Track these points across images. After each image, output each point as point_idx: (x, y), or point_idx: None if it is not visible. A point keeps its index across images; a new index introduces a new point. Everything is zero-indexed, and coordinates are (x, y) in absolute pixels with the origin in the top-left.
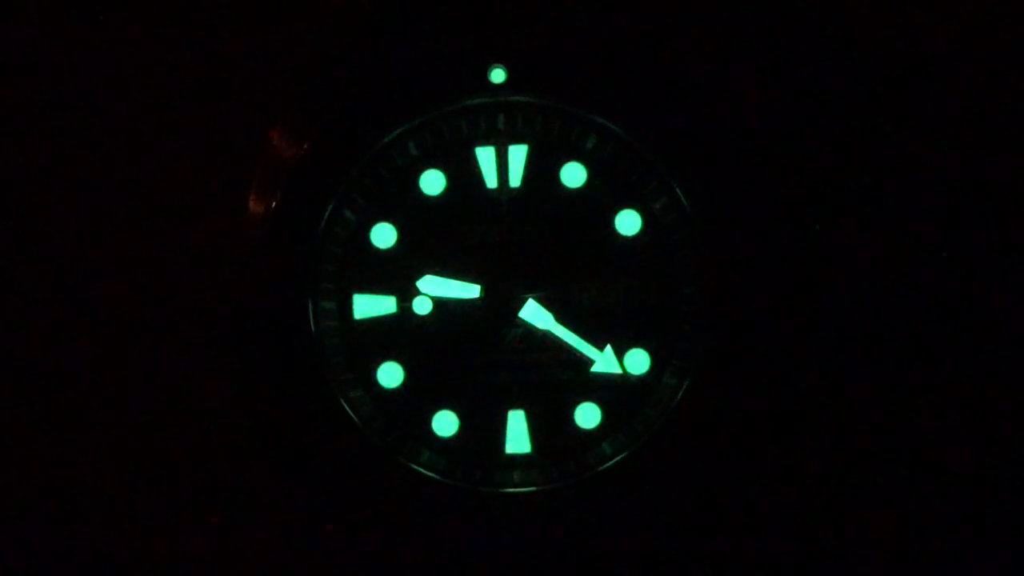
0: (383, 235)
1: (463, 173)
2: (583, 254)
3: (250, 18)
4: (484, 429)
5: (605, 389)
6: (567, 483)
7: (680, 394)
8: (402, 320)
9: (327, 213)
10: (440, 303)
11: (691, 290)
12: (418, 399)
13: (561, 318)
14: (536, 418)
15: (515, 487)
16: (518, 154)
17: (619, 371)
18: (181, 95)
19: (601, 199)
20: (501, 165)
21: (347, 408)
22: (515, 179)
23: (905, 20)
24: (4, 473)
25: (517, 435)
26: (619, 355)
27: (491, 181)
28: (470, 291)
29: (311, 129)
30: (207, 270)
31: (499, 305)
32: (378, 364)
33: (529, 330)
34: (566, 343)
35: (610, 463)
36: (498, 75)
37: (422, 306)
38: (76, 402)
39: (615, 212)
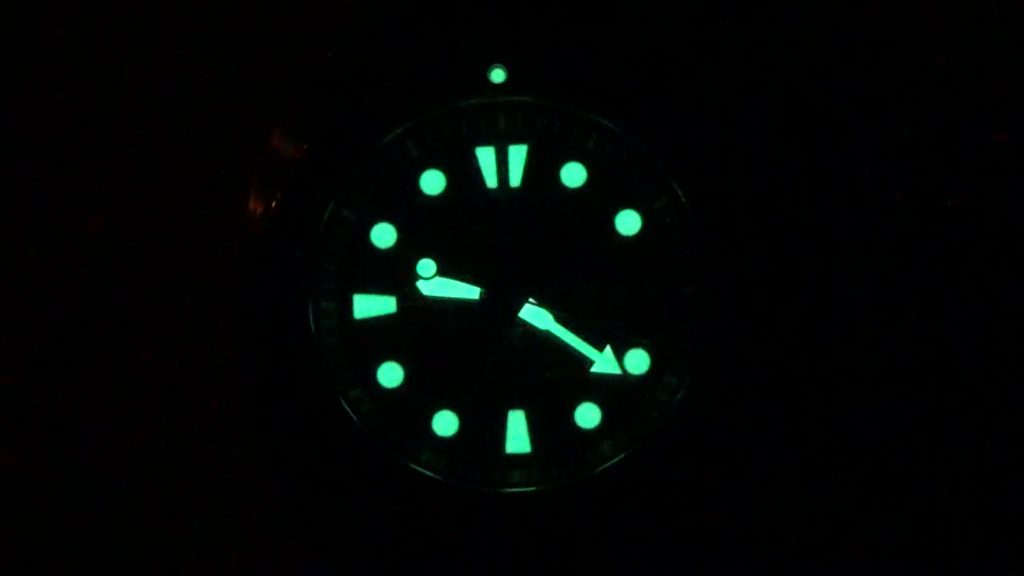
0: (383, 235)
1: (463, 173)
2: (583, 254)
3: (250, 18)
4: (484, 429)
5: (605, 389)
6: (567, 483)
7: (680, 394)
8: (402, 320)
9: (327, 213)
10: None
11: (691, 290)
12: (418, 399)
13: (561, 318)
14: (536, 418)
15: (515, 487)
16: (518, 154)
17: (619, 371)
18: (181, 95)
19: (601, 199)
20: (501, 165)
21: (347, 408)
22: (515, 179)
23: (907, 20)
24: (1, 473)
25: (517, 435)
26: (619, 355)
27: (491, 181)
28: (470, 291)
29: (311, 129)
30: (207, 270)
31: (499, 305)
32: (378, 364)
33: (529, 330)
34: (566, 343)
35: (610, 463)
36: (498, 75)
37: (426, 269)
38: (75, 402)
39: (615, 212)
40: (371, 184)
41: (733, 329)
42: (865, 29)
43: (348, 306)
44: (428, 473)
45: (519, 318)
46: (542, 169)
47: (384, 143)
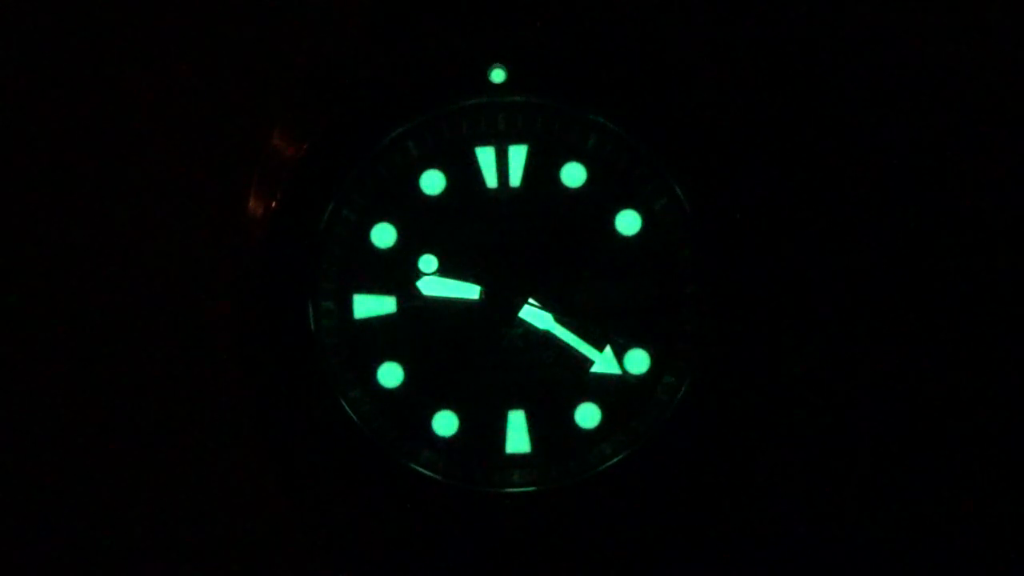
0: (383, 235)
1: (463, 173)
2: (583, 254)
3: (250, 18)
4: (484, 429)
5: (605, 389)
6: (567, 483)
7: (680, 394)
8: (402, 320)
9: (327, 213)
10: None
11: (691, 290)
12: (418, 399)
13: (561, 318)
14: (536, 418)
15: (515, 487)
16: (518, 154)
17: (619, 371)
18: (181, 95)
19: (601, 199)
20: (501, 165)
21: (347, 408)
22: (515, 179)
23: (906, 20)
24: (2, 474)
25: (517, 435)
26: (619, 355)
27: (491, 181)
28: (470, 291)
29: (311, 129)
30: (207, 270)
31: (499, 305)
32: (378, 364)
33: (529, 330)
34: (566, 343)
35: (610, 463)
36: (498, 75)
37: (428, 264)
38: (75, 402)
39: (615, 212)
40: (371, 184)
41: (733, 329)
42: (866, 29)
43: (348, 306)
44: (428, 473)
45: (519, 318)
46: (542, 169)
47: (384, 143)
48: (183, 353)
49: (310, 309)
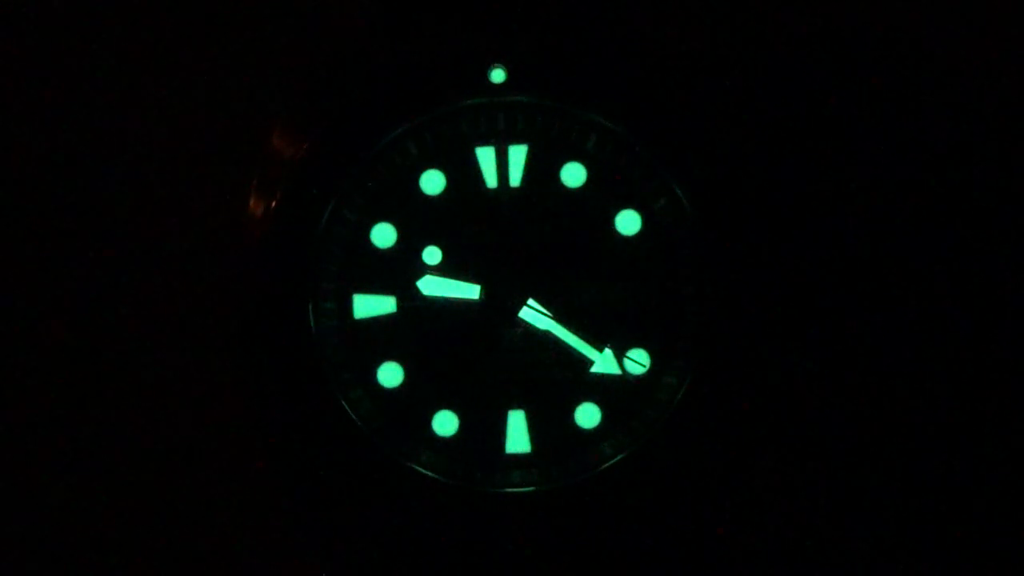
0: (383, 235)
1: (463, 173)
2: (583, 254)
3: (251, 18)
4: (484, 429)
5: (605, 389)
6: (567, 483)
7: (680, 394)
8: (402, 320)
9: (327, 213)
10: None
11: (691, 290)
12: (418, 399)
13: (561, 318)
14: (536, 418)
15: (515, 487)
16: (518, 154)
17: (619, 371)
18: (181, 95)
19: (601, 199)
20: (501, 165)
21: (347, 408)
22: (515, 179)
23: (906, 19)
24: (1, 473)
25: (517, 435)
26: (619, 355)
27: (491, 181)
28: (470, 291)
29: (311, 129)
30: (207, 270)
31: (499, 305)
32: (378, 364)
33: (529, 330)
34: (566, 343)
35: (610, 463)
36: (498, 75)
37: (432, 256)
38: (76, 401)
39: (615, 212)
40: (371, 184)
41: (733, 329)
42: (866, 29)
43: (348, 306)
44: (428, 473)
45: (519, 318)
46: (542, 169)
47: (384, 143)
48: (183, 353)
49: (310, 309)
